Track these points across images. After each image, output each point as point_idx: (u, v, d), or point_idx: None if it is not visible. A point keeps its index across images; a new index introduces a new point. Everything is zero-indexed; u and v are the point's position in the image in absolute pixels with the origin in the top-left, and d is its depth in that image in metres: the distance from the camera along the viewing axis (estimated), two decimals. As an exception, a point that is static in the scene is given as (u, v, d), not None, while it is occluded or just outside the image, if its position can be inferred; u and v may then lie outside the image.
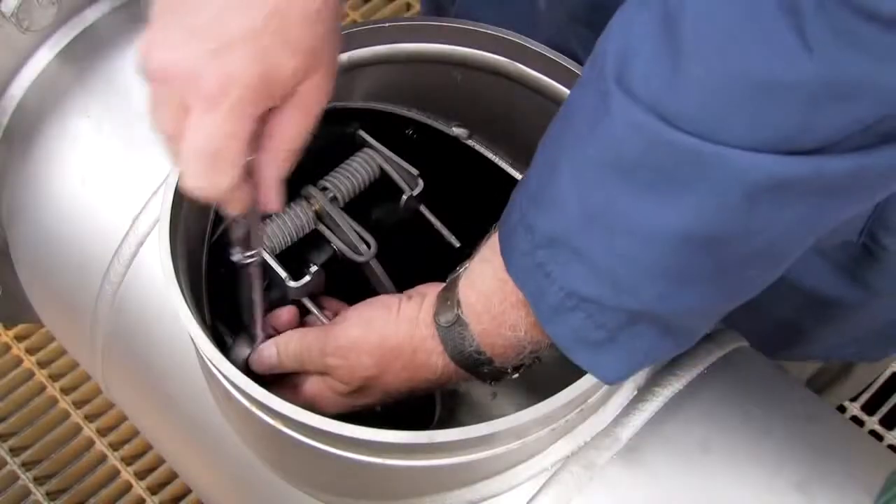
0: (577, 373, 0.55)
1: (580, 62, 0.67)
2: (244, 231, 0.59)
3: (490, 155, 0.75)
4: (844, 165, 0.45)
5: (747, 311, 0.55)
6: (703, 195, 0.46)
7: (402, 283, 0.69)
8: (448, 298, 0.58)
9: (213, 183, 0.51)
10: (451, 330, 0.57)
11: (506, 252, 0.53)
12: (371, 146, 0.71)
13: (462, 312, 0.57)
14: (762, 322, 0.56)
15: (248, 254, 0.60)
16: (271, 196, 0.55)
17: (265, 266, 0.68)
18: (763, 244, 0.50)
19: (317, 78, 0.52)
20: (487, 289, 0.56)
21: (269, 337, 0.65)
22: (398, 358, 0.59)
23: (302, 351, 0.63)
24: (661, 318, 0.52)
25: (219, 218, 0.69)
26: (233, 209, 0.55)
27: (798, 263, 0.52)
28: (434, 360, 0.58)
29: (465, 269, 0.58)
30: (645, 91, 0.45)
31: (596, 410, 0.62)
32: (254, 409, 0.58)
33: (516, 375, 0.60)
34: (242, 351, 0.66)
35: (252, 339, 0.66)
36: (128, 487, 1.33)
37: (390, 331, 0.60)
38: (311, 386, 0.64)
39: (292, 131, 0.53)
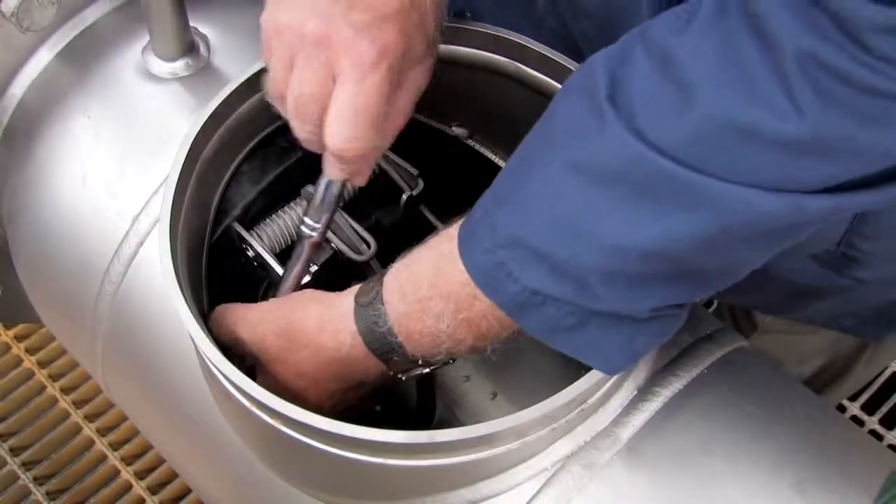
0: (577, 373, 0.55)
1: (582, 57, 0.67)
2: (320, 201, 0.63)
3: (490, 155, 0.76)
4: (823, 205, 0.46)
5: (736, 292, 0.56)
6: (678, 218, 0.47)
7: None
8: (373, 281, 0.58)
9: (367, 137, 0.57)
10: (368, 308, 0.57)
11: (465, 248, 0.54)
12: (371, 146, 0.71)
13: (383, 291, 0.57)
14: (753, 297, 0.57)
15: (315, 225, 0.64)
16: (386, 144, 0.62)
17: (264, 266, 0.68)
18: (728, 261, 0.51)
19: (427, 63, 0.59)
20: (421, 273, 0.56)
21: None
22: (305, 334, 0.59)
23: (215, 317, 0.64)
24: (625, 312, 0.52)
25: (219, 218, 0.69)
26: (357, 175, 0.61)
27: (785, 263, 0.53)
28: (342, 337, 0.58)
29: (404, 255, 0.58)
30: (635, 116, 0.46)
31: (596, 410, 0.62)
32: (254, 409, 0.58)
33: (427, 370, 0.59)
34: None
35: None
36: (128, 487, 1.33)
37: (308, 310, 0.60)
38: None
39: (407, 105, 0.60)
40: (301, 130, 0.58)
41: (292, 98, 0.57)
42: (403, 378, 0.60)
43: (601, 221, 0.48)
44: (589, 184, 0.48)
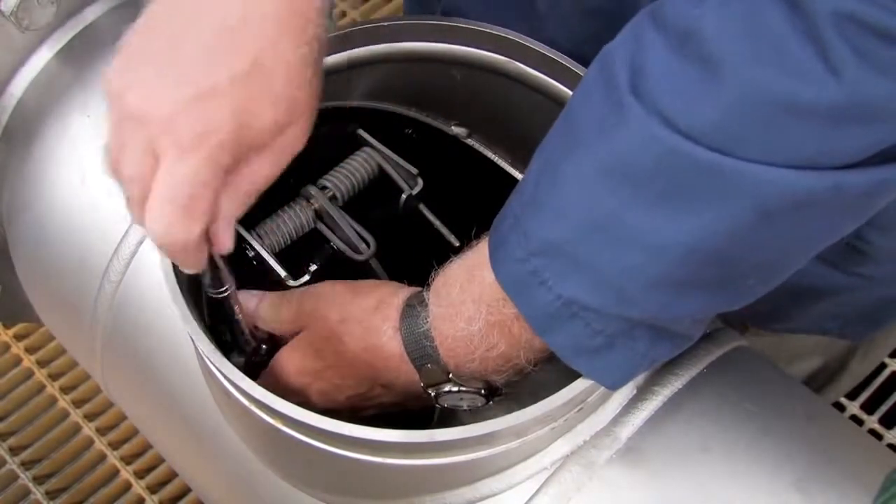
0: (577, 372, 0.55)
1: (587, 61, 0.67)
2: (210, 275, 0.58)
3: (490, 154, 0.76)
4: (863, 180, 0.45)
5: None
6: (719, 209, 0.46)
7: (402, 282, 0.69)
8: (425, 289, 0.58)
9: (183, 230, 0.50)
10: (413, 309, 0.57)
11: (496, 259, 0.53)
12: (370, 145, 0.71)
13: (427, 294, 0.57)
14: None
15: (220, 289, 0.59)
16: (224, 231, 0.52)
17: (264, 266, 0.68)
18: (771, 257, 0.50)
19: (295, 128, 0.51)
20: (454, 277, 0.56)
21: (260, 343, 0.65)
22: (364, 309, 0.59)
23: (282, 299, 0.62)
24: (660, 323, 0.52)
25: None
26: (190, 266, 0.53)
27: None
28: (386, 326, 0.58)
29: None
30: (662, 104, 0.45)
31: (595, 409, 0.62)
32: (253, 408, 0.58)
33: (455, 390, 0.58)
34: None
35: (243, 351, 0.65)
36: (127, 486, 1.33)
37: (376, 290, 0.60)
38: (281, 358, 0.63)
39: (260, 177, 0.51)
40: (129, 214, 0.52)
41: (118, 178, 0.51)
42: (432, 394, 0.58)
43: (641, 221, 0.47)
44: (624, 183, 0.47)
